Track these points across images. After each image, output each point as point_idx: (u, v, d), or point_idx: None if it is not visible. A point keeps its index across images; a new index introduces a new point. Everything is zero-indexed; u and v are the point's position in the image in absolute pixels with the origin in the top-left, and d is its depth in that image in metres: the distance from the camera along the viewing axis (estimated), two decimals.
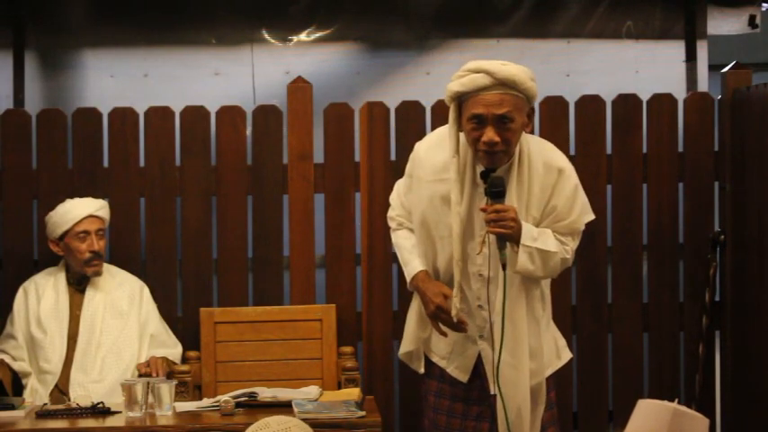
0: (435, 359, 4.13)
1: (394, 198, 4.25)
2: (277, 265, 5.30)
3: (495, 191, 3.81)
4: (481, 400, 4.07)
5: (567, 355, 4.18)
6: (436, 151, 3.98)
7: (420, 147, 4.08)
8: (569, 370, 5.34)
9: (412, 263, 4.08)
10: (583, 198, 4.02)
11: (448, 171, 3.90)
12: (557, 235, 3.93)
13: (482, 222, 3.85)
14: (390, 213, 4.26)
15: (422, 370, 4.20)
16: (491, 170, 3.85)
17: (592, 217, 4.06)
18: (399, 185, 4.22)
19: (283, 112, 5.30)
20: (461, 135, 3.90)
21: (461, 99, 3.86)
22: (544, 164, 3.95)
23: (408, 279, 4.10)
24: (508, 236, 3.78)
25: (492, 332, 3.94)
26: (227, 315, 5.14)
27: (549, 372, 4.09)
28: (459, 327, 3.94)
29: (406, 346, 4.24)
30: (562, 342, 4.18)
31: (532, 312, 4.01)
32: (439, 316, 3.95)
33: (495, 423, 3.99)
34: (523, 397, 3.94)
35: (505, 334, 3.85)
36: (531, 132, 4.04)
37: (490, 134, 3.80)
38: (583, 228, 4.03)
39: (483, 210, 3.80)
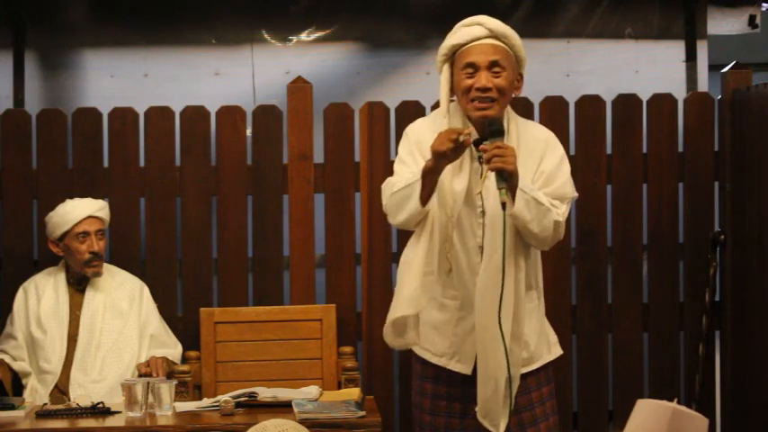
0: (433, 359, 4.10)
1: (392, 179, 4.06)
2: (277, 265, 5.30)
3: (494, 129, 3.86)
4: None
5: (557, 351, 4.18)
6: (433, 127, 4.00)
7: (413, 127, 4.11)
8: (569, 370, 5.35)
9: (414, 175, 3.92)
10: (569, 169, 4.06)
11: None
12: (548, 198, 3.96)
13: (480, 195, 3.90)
14: (393, 182, 4.02)
15: (417, 341, 4.03)
16: (482, 140, 3.89)
17: (576, 194, 4.08)
18: (400, 168, 4.08)
19: (283, 112, 5.30)
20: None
21: (454, 56, 3.97)
22: (532, 137, 4.03)
23: (420, 176, 3.88)
24: (509, 173, 3.78)
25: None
26: (227, 315, 5.14)
27: (537, 365, 4.08)
28: (462, 144, 3.83)
29: (403, 309, 3.96)
30: (554, 338, 4.18)
31: (520, 297, 3.97)
32: (449, 138, 3.81)
33: None
34: (503, 372, 3.90)
35: (492, 300, 3.85)
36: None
37: (483, 80, 3.91)
38: (571, 196, 4.02)
39: (484, 150, 3.82)
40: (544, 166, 4.00)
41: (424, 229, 3.96)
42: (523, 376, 4.02)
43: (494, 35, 3.94)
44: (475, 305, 3.93)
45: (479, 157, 3.91)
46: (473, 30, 3.95)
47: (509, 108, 4.03)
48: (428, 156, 3.89)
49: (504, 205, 3.78)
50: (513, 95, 4.01)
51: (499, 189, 3.78)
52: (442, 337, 4.05)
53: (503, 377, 3.91)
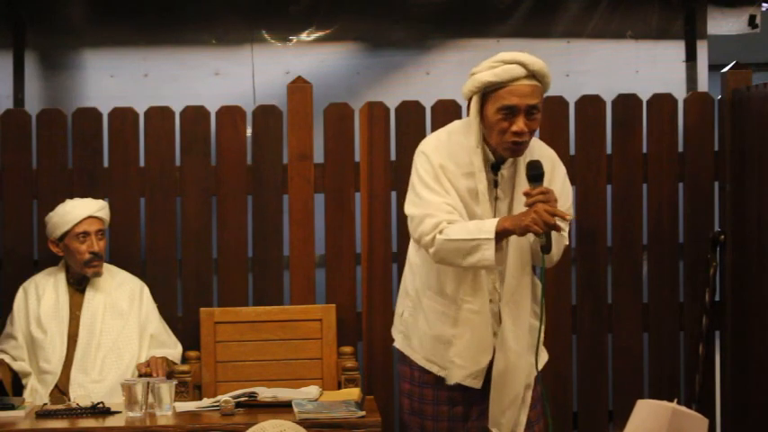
0: (440, 372, 4.10)
1: (427, 209, 3.94)
2: (277, 265, 5.30)
3: (536, 173, 3.83)
4: (482, 398, 4.07)
5: (545, 356, 4.21)
6: (453, 146, 3.98)
7: (429, 147, 4.00)
8: (569, 370, 5.35)
9: (484, 223, 3.86)
10: (570, 189, 4.08)
11: (469, 165, 3.92)
12: None
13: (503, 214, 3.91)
14: (431, 225, 3.90)
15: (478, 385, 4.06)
16: (500, 163, 3.91)
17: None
18: (430, 198, 3.96)
19: (283, 112, 5.30)
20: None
21: (487, 90, 3.87)
22: (540, 156, 3.99)
23: (493, 230, 3.81)
24: (551, 226, 3.78)
25: (500, 317, 3.99)
26: (227, 315, 5.14)
27: (534, 373, 4.12)
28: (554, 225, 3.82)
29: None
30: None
31: (534, 311, 4.04)
32: (547, 223, 3.76)
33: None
34: (521, 385, 4.00)
35: (510, 318, 3.93)
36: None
37: (521, 124, 3.84)
38: (572, 216, 4.04)
39: (526, 194, 3.81)
40: (552, 187, 3.95)
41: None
42: None
43: (533, 75, 3.85)
44: (502, 324, 3.97)
45: (495, 182, 3.93)
46: (514, 69, 3.83)
47: None
48: (455, 180, 3.90)
49: (543, 248, 3.80)
50: None
51: (541, 250, 3.80)
52: (453, 352, 4.05)
53: (519, 392, 3.99)
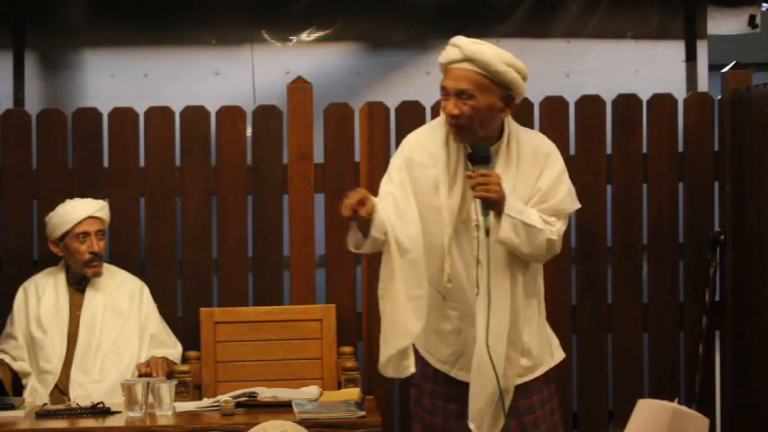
0: (437, 364, 4.09)
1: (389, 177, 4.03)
2: (277, 265, 5.30)
3: (480, 156, 3.83)
4: None
5: (560, 355, 4.17)
6: (427, 138, 3.99)
7: (409, 139, 4.07)
8: (569, 370, 5.35)
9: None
10: (569, 183, 4.03)
11: (437, 158, 3.93)
12: (543, 215, 3.94)
13: (474, 209, 3.87)
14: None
15: (412, 369, 3.98)
16: (474, 154, 3.88)
17: (578, 205, 4.06)
18: (384, 184, 4.03)
19: (283, 112, 5.30)
20: None
21: (444, 71, 3.93)
22: (532, 149, 3.97)
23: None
24: (492, 201, 3.78)
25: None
26: (227, 315, 5.14)
27: (541, 370, 4.08)
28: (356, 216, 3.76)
29: (399, 341, 3.89)
30: (555, 342, 4.17)
31: (516, 306, 3.98)
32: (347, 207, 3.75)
33: None
34: (493, 380, 3.90)
35: (496, 314, 3.85)
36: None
37: (450, 105, 3.85)
38: (569, 211, 4.01)
39: (469, 176, 3.81)
40: (542, 182, 3.95)
41: (392, 256, 3.89)
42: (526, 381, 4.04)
43: (468, 59, 3.83)
44: (476, 319, 3.93)
45: (469, 156, 3.91)
46: (450, 51, 3.87)
47: (510, 120, 3.96)
48: (416, 173, 3.91)
49: (487, 231, 3.79)
50: (502, 116, 3.92)
51: (483, 216, 3.79)
52: (446, 345, 4.06)
53: (495, 389, 3.90)
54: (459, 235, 3.94)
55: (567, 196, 3.99)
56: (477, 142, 3.86)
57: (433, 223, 3.93)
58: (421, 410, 4.14)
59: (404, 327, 3.90)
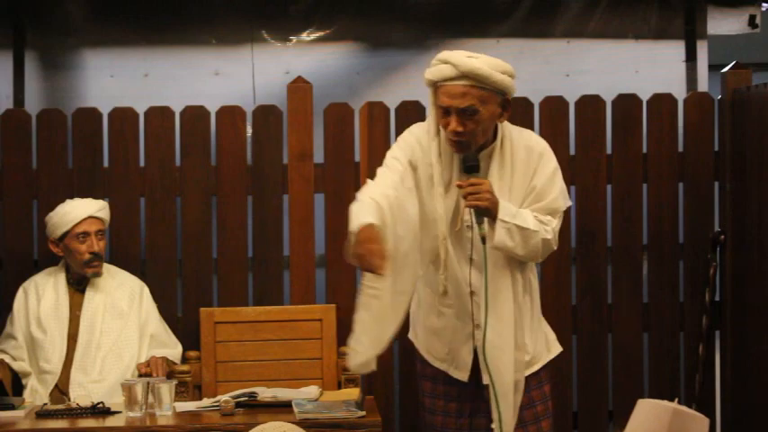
0: (435, 362, 4.11)
1: (378, 175, 3.99)
2: (277, 265, 5.30)
3: (469, 165, 3.86)
4: (476, 395, 4.06)
5: (557, 349, 4.19)
6: (425, 143, 3.99)
7: (415, 129, 4.07)
8: (569, 370, 5.35)
9: (364, 214, 3.77)
10: (562, 181, 4.06)
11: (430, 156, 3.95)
12: (537, 215, 3.95)
13: (468, 210, 3.88)
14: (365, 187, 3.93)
15: (374, 366, 3.92)
16: (468, 159, 3.89)
17: (570, 203, 4.08)
18: (385, 169, 4.01)
19: (283, 112, 5.30)
20: None
21: (433, 87, 3.92)
22: (525, 147, 4.00)
23: (357, 227, 3.74)
24: (485, 209, 3.80)
25: (473, 314, 3.95)
26: (227, 315, 5.14)
27: (538, 365, 4.09)
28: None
29: (380, 345, 3.85)
30: (552, 336, 4.19)
31: (518, 304, 4.00)
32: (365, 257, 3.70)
33: (490, 415, 4.00)
34: (509, 380, 3.95)
35: (489, 313, 3.87)
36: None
37: (453, 124, 3.86)
38: (563, 209, 4.03)
39: (459, 186, 3.83)
40: (536, 180, 3.98)
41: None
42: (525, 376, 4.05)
43: (465, 75, 3.83)
44: (478, 319, 3.94)
45: (460, 166, 3.93)
46: (444, 69, 3.85)
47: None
48: (420, 164, 3.91)
49: (483, 239, 3.80)
50: (501, 120, 3.95)
51: (478, 224, 3.81)
52: (442, 343, 4.07)
53: (511, 389, 3.96)
54: (454, 233, 3.95)
55: (561, 194, 4.02)
56: (465, 154, 3.88)
57: (429, 222, 3.94)
58: (423, 410, 4.17)
59: (386, 331, 3.87)
